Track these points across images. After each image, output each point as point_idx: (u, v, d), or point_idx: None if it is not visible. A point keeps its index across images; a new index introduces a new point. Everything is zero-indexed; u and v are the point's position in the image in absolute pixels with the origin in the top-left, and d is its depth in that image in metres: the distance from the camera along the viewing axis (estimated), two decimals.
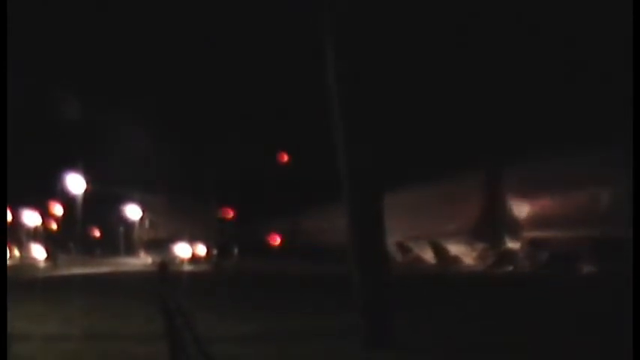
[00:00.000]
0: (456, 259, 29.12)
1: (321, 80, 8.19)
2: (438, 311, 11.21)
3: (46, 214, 52.82)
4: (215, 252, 43.21)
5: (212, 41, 35.16)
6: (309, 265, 29.67)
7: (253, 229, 46.61)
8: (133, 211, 53.33)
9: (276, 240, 45.72)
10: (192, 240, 43.67)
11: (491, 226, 27.33)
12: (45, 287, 20.21)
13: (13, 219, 47.84)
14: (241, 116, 39.72)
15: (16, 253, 47.85)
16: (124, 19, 35.27)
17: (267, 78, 35.08)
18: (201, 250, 43.71)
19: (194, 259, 41.14)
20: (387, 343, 7.64)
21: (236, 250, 42.57)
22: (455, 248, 29.59)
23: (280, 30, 30.26)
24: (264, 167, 42.09)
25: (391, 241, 31.65)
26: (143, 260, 42.53)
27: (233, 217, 47.15)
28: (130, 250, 51.74)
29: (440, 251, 30.07)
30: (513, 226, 26.73)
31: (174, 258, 39.63)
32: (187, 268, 33.96)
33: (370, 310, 7.79)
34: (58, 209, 52.73)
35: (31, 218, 51.75)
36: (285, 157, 42.80)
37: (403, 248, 32.03)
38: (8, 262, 36.91)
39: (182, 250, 42.26)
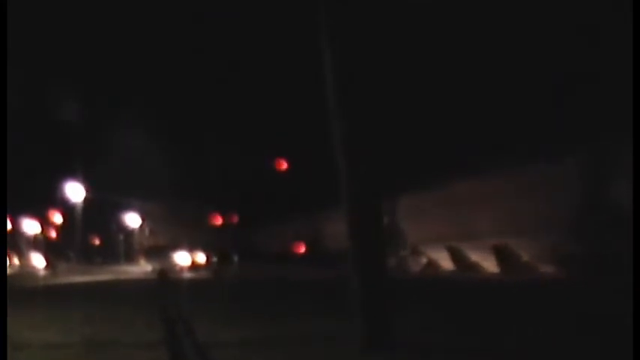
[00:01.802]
0: (529, 266, 22.57)
1: (320, 84, 8.22)
2: (449, 317, 11.13)
3: (45, 223, 52.95)
4: (215, 259, 43.28)
5: (212, 50, 35.29)
6: (310, 270, 29.66)
7: (253, 236, 46.64)
8: (132, 219, 53.48)
9: (273, 247, 45.76)
10: (191, 247, 43.72)
11: (594, 223, 19.56)
12: (45, 295, 20.23)
13: (12, 227, 47.91)
14: (241, 124, 39.81)
15: (16, 261, 47.89)
16: (124, 27, 35.38)
17: (267, 84, 35.17)
18: (200, 257, 43.77)
19: (194, 266, 41.19)
20: (387, 346, 7.66)
21: (236, 257, 42.60)
22: (530, 253, 22.76)
23: (279, 35, 30.35)
24: (264, 174, 42.16)
25: (439, 245, 27.26)
26: (143, 268, 42.56)
27: (233, 224, 47.22)
28: (130, 258, 51.84)
29: (505, 257, 23.85)
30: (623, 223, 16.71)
31: (174, 265, 39.68)
32: (187, 275, 33.97)
33: (369, 313, 7.81)
34: (57, 217, 52.86)
35: (30, 227, 51.87)
36: (285, 165, 42.87)
37: (455, 253, 26.89)
38: (7, 270, 36.90)
39: (182, 257, 42.32)
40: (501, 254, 24.11)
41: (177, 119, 42.50)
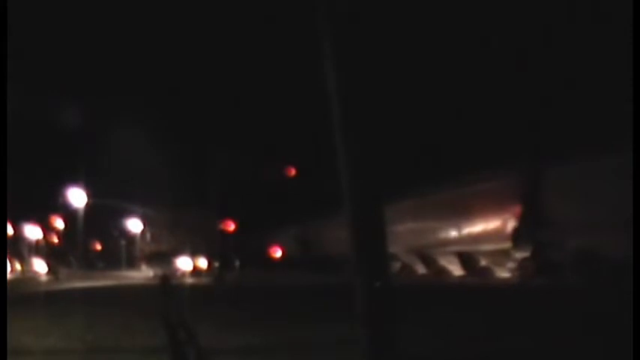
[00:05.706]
0: None
1: (322, 85, 8.16)
2: (454, 324, 11.03)
3: (47, 228, 52.95)
4: (217, 264, 43.20)
5: (215, 55, 35.34)
6: (311, 275, 29.59)
7: (255, 242, 46.56)
8: (134, 225, 53.39)
9: (277, 252, 45.69)
10: (193, 253, 43.64)
11: None
12: (46, 301, 20.17)
13: (14, 233, 47.91)
14: (243, 128, 39.82)
15: (18, 266, 47.80)
16: (125, 31, 35.44)
17: (270, 90, 35.22)
18: (202, 262, 43.66)
19: (196, 271, 41.10)
20: (389, 355, 7.59)
21: (238, 263, 42.53)
22: None
23: (279, 36, 30.37)
24: (265, 179, 42.13)
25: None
26: (145, 273, 42.49)
27: (235, 229, 47.17)
28: (132, 264, 51.77)
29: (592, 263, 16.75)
30: None
31: (175, 271, 39.60)
32: (189, 280, 33.90)
33: (371, 321, 7.73)
34: (59, 223, 52.88)
35: (32, 232, 51.84)
36: (287, 170, 42.86)
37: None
38: (9, 275, 36.89)
39: (184, 262, 42.22)
40: (584, 259, 17.01)
41: (180, 126, 42.54)
